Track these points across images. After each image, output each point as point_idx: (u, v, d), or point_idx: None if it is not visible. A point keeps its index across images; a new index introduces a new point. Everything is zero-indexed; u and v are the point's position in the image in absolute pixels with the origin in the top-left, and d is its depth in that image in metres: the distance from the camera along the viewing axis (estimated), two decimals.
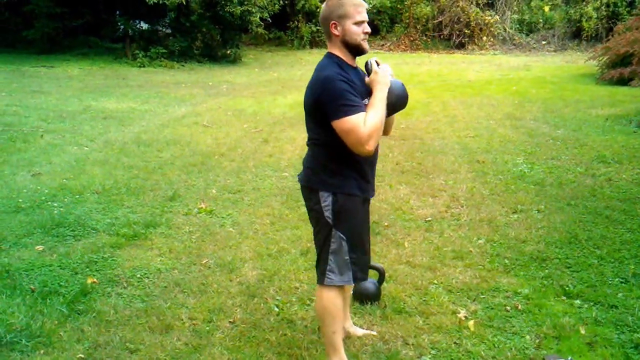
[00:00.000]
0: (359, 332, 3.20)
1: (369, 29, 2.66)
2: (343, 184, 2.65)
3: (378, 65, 2.68)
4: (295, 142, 7.84)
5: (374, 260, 4.06)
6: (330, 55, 2.66)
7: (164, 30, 21.31)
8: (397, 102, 2.64)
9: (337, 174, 2.64)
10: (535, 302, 3.55)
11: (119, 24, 19.81)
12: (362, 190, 2.70)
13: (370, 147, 2.48)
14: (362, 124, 2.46)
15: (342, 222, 2.66)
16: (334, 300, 2.74)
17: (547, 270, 4.00)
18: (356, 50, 2.66)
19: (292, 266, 4.00)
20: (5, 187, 5.64)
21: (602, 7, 20.95)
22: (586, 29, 21.29)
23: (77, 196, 5.44)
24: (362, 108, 2.51)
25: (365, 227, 2.82)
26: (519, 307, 3.50)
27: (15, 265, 3.92)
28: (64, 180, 5.93)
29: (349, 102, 2.48)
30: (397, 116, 2.97)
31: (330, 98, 2.49)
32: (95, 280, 3.74)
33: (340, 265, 2.70)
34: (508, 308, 3.49)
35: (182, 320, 3.30)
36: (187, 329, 3.20)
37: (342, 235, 2.67)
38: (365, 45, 2.66)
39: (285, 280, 3.83)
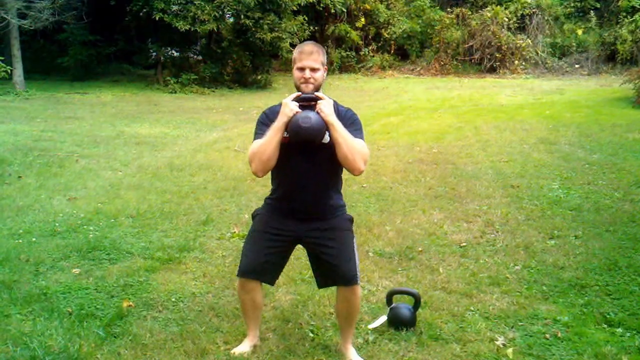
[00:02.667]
0: (350, 357, 3.19)
1: (308, 75, 2.93)
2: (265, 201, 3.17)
3: (315, 100, 2.89)
4: None
5: (409, 286, 4.02)
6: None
7: (195, 56, 21.68)
8: (291, 133, 2.86)
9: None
10: (576, 330, 3.46)
11: (151, 51, 20.25)
12: (272, 211, 3.09)
13: (252, 168, 2.93)
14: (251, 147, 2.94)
15: None
16: (237, 288, 3.25)
17: (586, 298, 3.91)
18: (298, 91, 2.96)
19: (326, 291, 3.95)
20: (42, 211, 5.75)
21: (637, 30, 20.68)
22: (621, 52, 21.00)
23: (112, 220, 5.52)
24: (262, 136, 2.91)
25: (259, 236, 3.09)
26: (559, 335, 3.41)
27: (52, 288, 3.96)
28: (99, 204, 6.03)
29: (257, 130, 2.97)
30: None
31: None
32: (131, 303, 3.76)
33: None
34: (547, 336, 3.41)
35: (217, 344, 3.29)
36: (223, 353, 3.19)
37: None
38: (305, 88, 2.94)
39: (319, 305, 3.80)
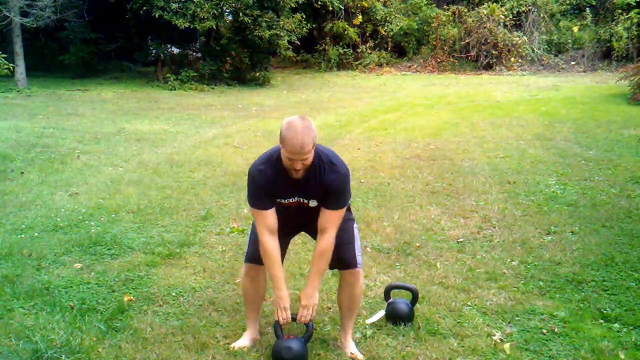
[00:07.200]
0: (349, 349, 3.22)
1: (299, 167, 2.84)
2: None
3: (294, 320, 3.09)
4: None
5: (406, 281, 4.06)
6: (277, 149, 2.95)
7: (194, 54, 21.66)
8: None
9: None
10: (572, 326, 3.49)
11: (151, 48, 20.25)
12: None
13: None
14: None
15: None
16: (242, 274, 3.33)
17: (583, 293, 3.95)
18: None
19: (324, 286, 4.00)
20: (44, 207, 5.78)
21: (633, 27, 20.74)
22: (616, 49, 21.05)
23: (113, 215, 5.55)
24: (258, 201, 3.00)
25: None
26: (556, 330, 3.45)
27: (54, 282, 4.00)
28: (100, 200, 6.06)
29: (253, 193, 3.03)
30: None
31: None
32: (131, 298, 3.80)
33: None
34: (544, 331, 3.44)
35: (217, 339, 3.33)
36: (222, 347, 3.23)
37: None
38: (294, 175, 2.90)
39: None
